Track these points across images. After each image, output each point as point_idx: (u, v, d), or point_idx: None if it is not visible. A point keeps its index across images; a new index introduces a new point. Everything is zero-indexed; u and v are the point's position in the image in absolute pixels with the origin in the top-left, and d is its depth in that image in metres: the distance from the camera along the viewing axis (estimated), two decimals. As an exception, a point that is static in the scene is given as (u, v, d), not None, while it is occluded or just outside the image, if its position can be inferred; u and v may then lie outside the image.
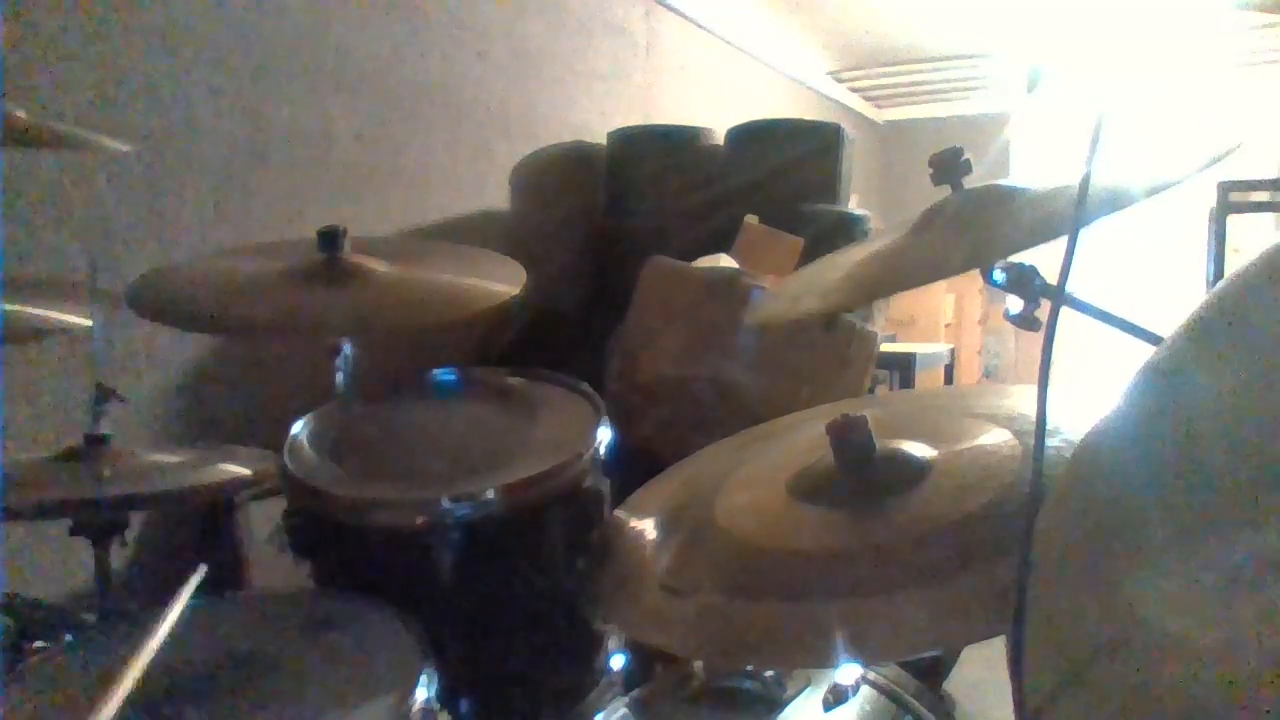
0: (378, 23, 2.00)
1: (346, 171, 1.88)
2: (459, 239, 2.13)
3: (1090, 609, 0.34)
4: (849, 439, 0.74)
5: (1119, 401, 0.39)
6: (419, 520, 0.86)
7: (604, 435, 0.97)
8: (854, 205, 2.42)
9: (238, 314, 1.04)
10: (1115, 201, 0.54)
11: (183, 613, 0.75)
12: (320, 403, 1.07)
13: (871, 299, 1.52)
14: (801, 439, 0.87)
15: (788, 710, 0.74)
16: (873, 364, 1.57)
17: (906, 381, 3.08)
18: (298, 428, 1.00)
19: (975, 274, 0.68)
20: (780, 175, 2.25)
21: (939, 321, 4.85)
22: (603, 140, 2.59)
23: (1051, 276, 0.62)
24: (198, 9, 1.57)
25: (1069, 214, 0.47)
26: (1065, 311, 0.48)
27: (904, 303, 4.59)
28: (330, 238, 1.07)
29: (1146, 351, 0.39)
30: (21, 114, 0.86)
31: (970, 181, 0.73)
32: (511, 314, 1.66)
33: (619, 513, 0.89)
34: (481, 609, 0.90)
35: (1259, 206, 3.39)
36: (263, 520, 1.30)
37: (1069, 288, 0.50)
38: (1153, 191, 0.55)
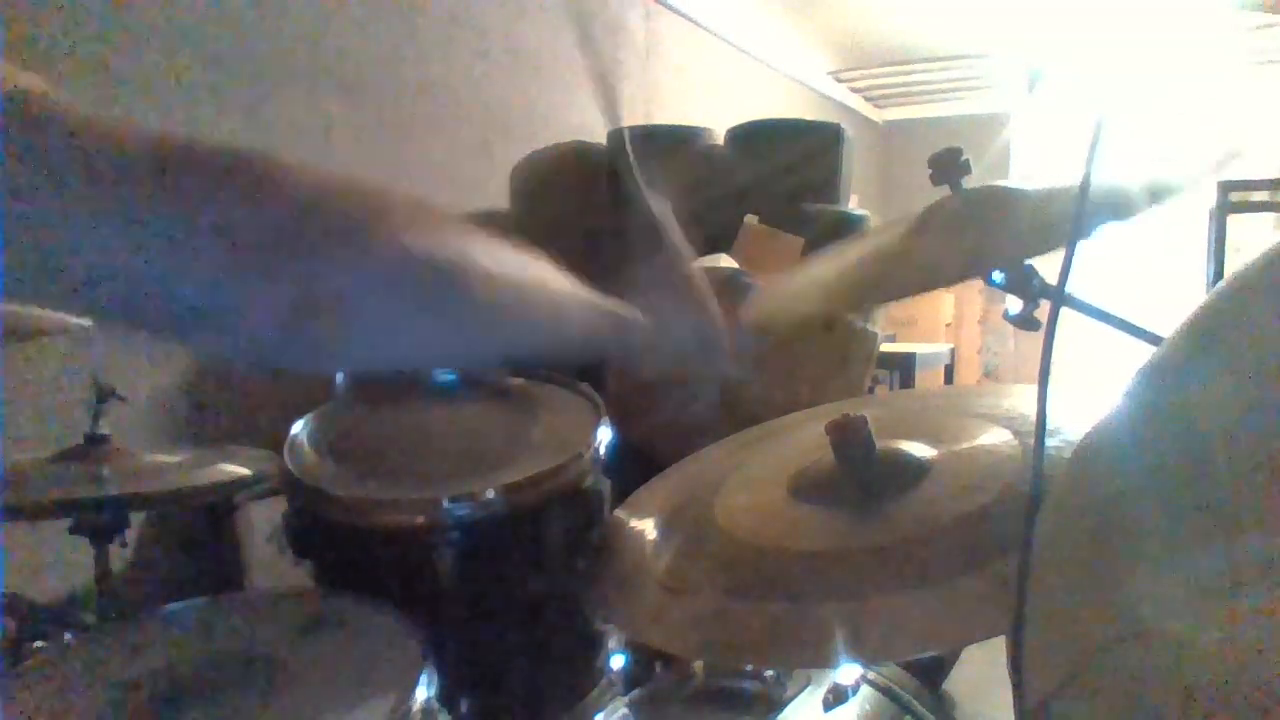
0: (377, 23, 2.00)
1: (346, 171, 1.88)
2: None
3: (1090, 609, 0.34)
4: (849, 439, 0.74)
5: (1119, 401, 0.39)
6: (419, 520, 0.86)
7: (604, 435, 0.97)
8: (854, 205, 2.42)
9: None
10: (1118, 210, 0.54)
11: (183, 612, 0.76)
12: (320, 403, 1.07)
13: (870, 304, 1.51)
14: (801, 439, 0.87)
15: (788, 710, 0.74)
16: (873, 364, 1.57)
17: (906, 381, 3.08)
18: (298, 428, 1.00)
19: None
20: (780, 175, 2.25)
21: (939, 321, 4.85)
22: (603, 140, 2.59)
23: (1051, 276, 0.62)
24: (198, 9, 1.57)
25: (1069, 221, 0.47)
26: (1065, 311, 0.48)
27: (904, 303, 4.59)
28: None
29: (1146, 351, 0.39)
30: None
31: (970, 182, 0.73)
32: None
33: (619, 513, 0.89)
34: (481, 609, 0.90)
35: (1259, 206, 3.39)
36: (263, 520, 1.30)
37: (1069, 288, 0.50)
38: (1156, 199, 0.55)
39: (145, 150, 0.38)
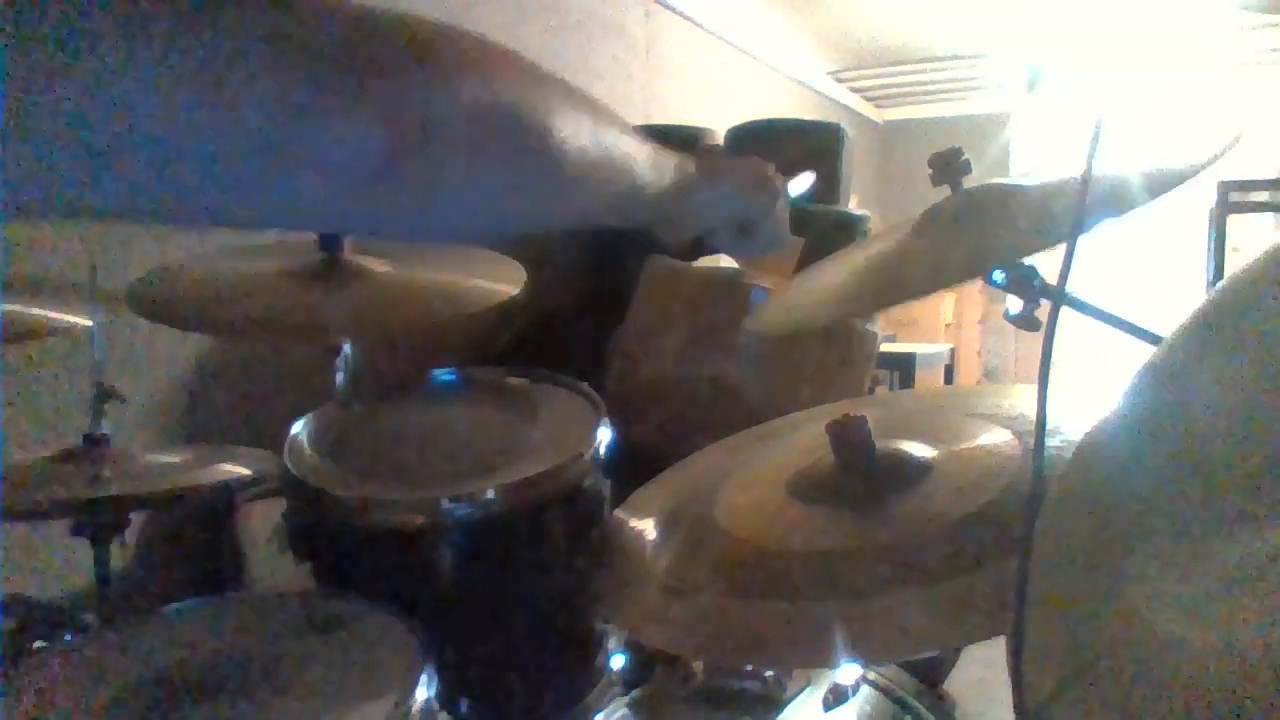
0: (378, 23, 1.99)
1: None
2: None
3: (1090, 609, 0.34)
4: (849, 439, 0.74)
5: (1119, 401, 0.39)
6: (419, 520, 0.86)
7: (604, 435, 0.97)
8: (854, 205, 2.42)
9: (238, 314, 1.04)
10: (1118, 204, 0.54)
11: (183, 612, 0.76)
12: (320, 403, 1.07)
13: (877, 310, 1.51)
14: (801, 439, 0.87)
15: (788, 710, 0.74)
16: (873, 364, 1.56)
17: (906, 381, 3.08)
18: (298, 428, 1.00)
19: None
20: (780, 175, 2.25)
21: (939, 321, 4.85)
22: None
23: (1051, 276, 0.62)
24: (198, 9, 1.57)
25: (1069, 217, 0.48)
26: (1065, 311, 0.48)
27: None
28: (330, 238, 1.07)
29: (1146, 351, 0.39)
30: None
31: (970, 182, 0.73)
32: (511, 314, 1.66)
33: (619, 513, 0.89)
34: (481, 609, 0.90)
35: (1259, 206, 3.39)
36: (263, 520, 1.30)
37: (1069, 288, 0.50)
38: (1156, 192, 0.55)
39: None
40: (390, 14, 0.38)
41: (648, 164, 0.57)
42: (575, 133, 0.46)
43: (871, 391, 1.69)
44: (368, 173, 0.36)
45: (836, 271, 0.83)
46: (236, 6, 0.32)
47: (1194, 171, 0.55)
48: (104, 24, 0.29)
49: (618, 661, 0.98)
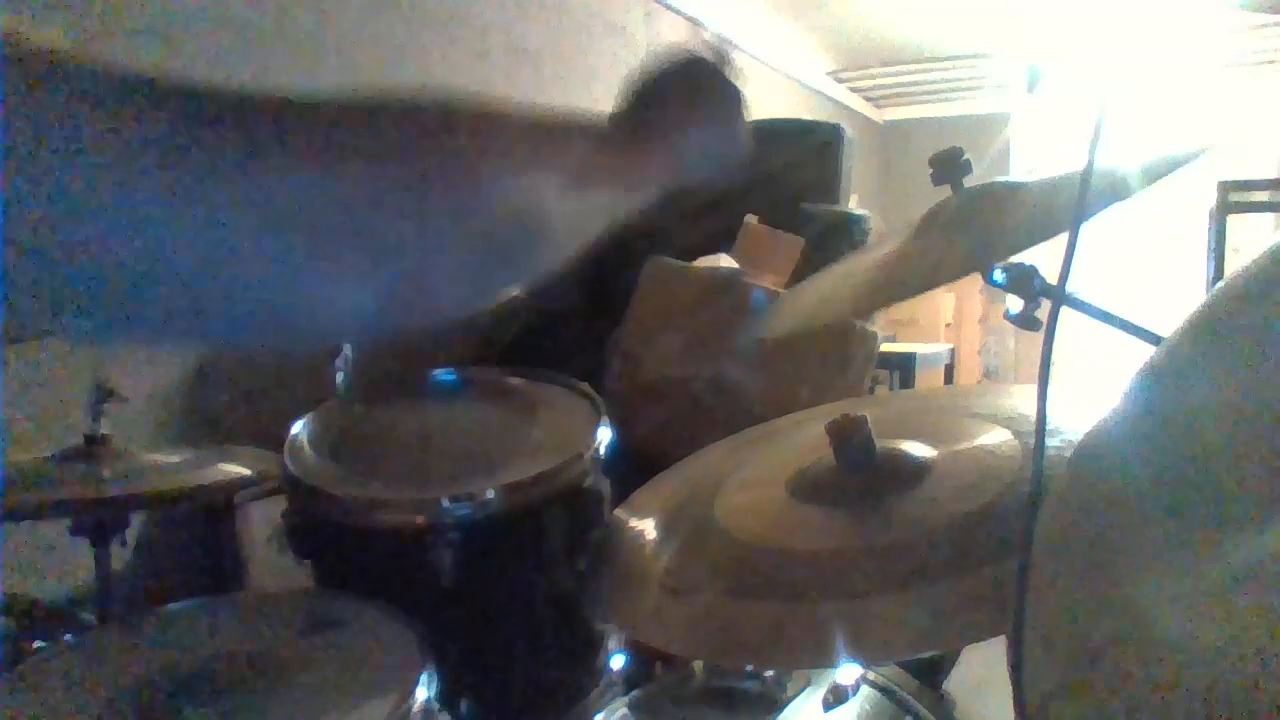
0: (378, 22, 2.00)
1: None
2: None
3: (1090, 609, 0.34)
4: (849, 439, 0.74)
5: (1119, 401, 0.39)
6: (419, 520, 0.86)
7: (604, 435, 0.97)
8: (854, 205, 2.41)
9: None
10: (1115, 192, 0.54)
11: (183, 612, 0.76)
12: (320, 403, 1.07)
13: (879, 308, 1.50)
14: (801, 439, 0.87)
15: (788, 710, 0.74)
16: (873, 364, 1.57)
17: (906, 381, 3.08)
18: (298, 428, 1.00)
19: (975, 273, 0.68)
20: (780, 175, 2.25)
21: (939, 321, 4.85)
22: (603, 141, 2.59)
23: (1052, 276, 0.62)
24: (198, 9, 1.57)
25: (1069, 210, 0.47)
26: (1065, 311, 0.48)
27: (904, 303, 4.59)
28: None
29: (1146, 351, 0.39)
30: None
31: (970, 182, 0.73)
32: (511, 314, 1.66)
33: (619, 513, 0.89)
34: (481, 609, 0.90)
35: (1259, 206, 3.39)
36: (263, 520, 1.30)
37: (1069, 288, 0.50)
38: (1151, 179, 0.55)
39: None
40: (392, 127, 0.40)
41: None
42: (547, 182, 0.47)
43: (871, 391, 1.69)
44: (378, 306, 0.39)
45: (844, 277, 0.83)
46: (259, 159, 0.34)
47: (1189, 159, 0.55)
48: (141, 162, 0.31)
49: (618, 661, 0.98)
